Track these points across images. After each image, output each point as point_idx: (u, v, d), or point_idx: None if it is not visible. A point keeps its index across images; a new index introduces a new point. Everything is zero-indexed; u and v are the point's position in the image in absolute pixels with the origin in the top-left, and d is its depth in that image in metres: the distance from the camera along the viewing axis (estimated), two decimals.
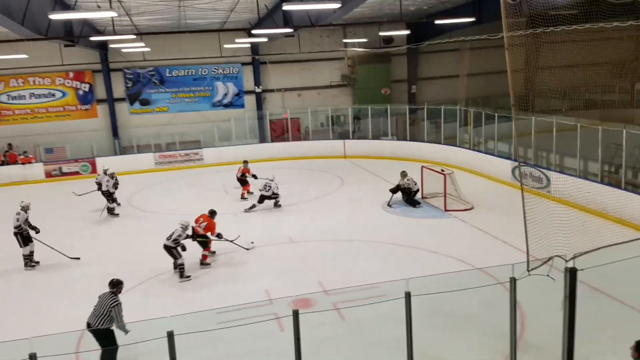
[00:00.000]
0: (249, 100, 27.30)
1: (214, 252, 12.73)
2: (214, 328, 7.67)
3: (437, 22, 20.60)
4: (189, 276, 11.52)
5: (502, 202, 15.72)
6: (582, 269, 5.58)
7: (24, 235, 12.54)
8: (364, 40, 25.84)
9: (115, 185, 17.09)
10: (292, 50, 26.25)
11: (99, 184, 17.28)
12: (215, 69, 26.66)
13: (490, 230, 13.33)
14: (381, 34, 24.14)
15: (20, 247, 12.62)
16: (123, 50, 23.58)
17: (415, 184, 16.05)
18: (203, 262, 12.22)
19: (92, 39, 19.03)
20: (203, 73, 26.61)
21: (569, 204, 13.45)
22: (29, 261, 12.64)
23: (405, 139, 24.33)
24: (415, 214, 15.25)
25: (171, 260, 11.68)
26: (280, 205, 16.51)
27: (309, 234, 14.00)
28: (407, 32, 24.23)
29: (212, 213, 12.62)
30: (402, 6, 18.29)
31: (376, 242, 13.14)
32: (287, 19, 16.80)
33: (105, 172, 17.17)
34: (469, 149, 21.16)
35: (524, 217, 6.47)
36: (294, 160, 24.57)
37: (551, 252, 6.31)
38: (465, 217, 14.66)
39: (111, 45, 24.18)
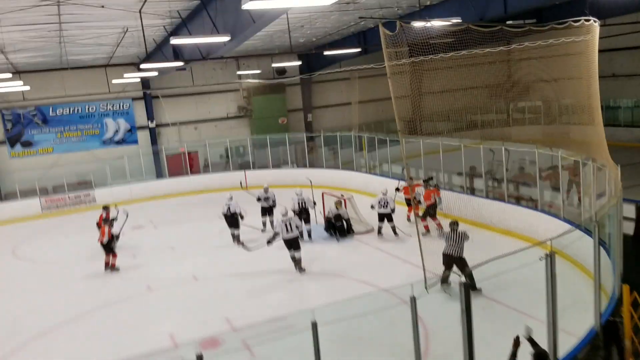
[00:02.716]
0: (143, 136, 26.32)
1: None
2: None
3: (326, 53, 21.40)
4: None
5: (400, 222, 16.33)
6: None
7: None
8: (258, 71, 26.11)
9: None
10: (185, 84, 25.84)
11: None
12: (103, 105, 25.46)
13: (392, 251, 13.76)
14: (274, 65, 24.59)
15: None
16: None
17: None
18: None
19: None
20: (91, 110, 25.30)
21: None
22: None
23: (305, 167, 24.69)
24: (319, 239, 15.38)
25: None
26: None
27: (214, 270, 13.61)
28: (299, 63, 24.86)
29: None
30: (291, 39, 18.76)
31: (282, 272, 13.07)
32: (177, 53, 16.53)
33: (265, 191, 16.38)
34: (366, 172, 21.92)
35: (418, 237, 6.77)
36: (194, 194, 23.93)
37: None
38: (366, 240, 15.05)
39: None
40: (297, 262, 12.73)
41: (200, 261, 14.50)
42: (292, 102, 29.21)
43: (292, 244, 12.68)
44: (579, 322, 7.80)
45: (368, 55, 22.79)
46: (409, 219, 15.96)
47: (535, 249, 11.00)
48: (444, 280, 10.33)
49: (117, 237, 14.35)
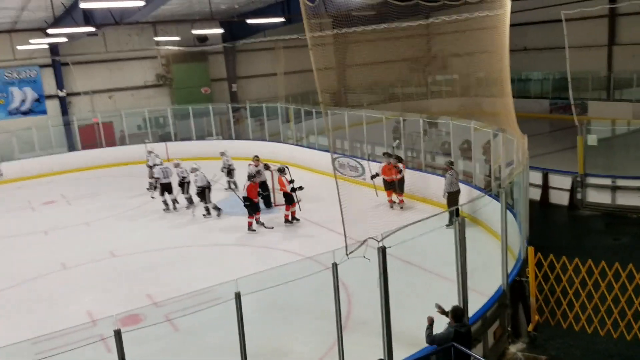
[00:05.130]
0: (52, 106, 24.67)
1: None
2: None
3: (249, 21, 20.91)
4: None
5: (327, 193, 16.47)
6: (389, 247, 6.15)
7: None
8: (177, 38, 25.02)
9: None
10: (97, 50, 24.39)
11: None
12: (9, 73, 23.56)
13: (318, 220, 13.93)
14: (194, 32, 23.67)
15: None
16: None
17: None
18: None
19: None
20: None
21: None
22: None
23: (230, 138, 24.26)
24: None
25: None
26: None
27: (133, 246, 13.18)
28: (221, 30, 24.08)
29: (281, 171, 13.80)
30: (211, 4, 18.12)
31: (205, 246, 12.92)
32: (87, 17, 15.51)
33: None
34: (293, 144, 21.90)
35: (340, 206, 6.91)
36: (109, 167, 22.87)
37: (366, 235, 6.84)
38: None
39: None
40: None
41: (118, 236, 14.03)
42: (215, 71, 28.40)
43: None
44: (488, 282, 8.33)
45: (293, 25, 22.45)
46: (391, 205, 14.48)
47: (448, 214, 11.59)
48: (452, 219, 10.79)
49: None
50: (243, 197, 13.61)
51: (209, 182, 14.95)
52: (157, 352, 8.10)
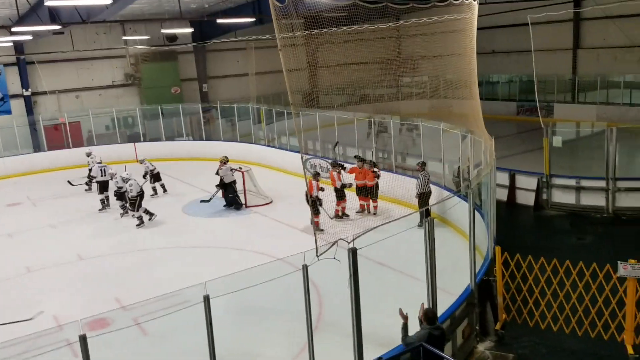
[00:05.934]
0: (17, 105, 24.05)
1: None
2: None
3: (220, 21, 20.78)
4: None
5: (298, 194, 16.54)
6: (361, 248, 6.18)
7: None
8: (146, 37, 24.68)
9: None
10: (64, 48, 23.82)
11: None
12: None
13: (289, 221, 13.91)
14: (163, 31, 23.36)
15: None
16: None
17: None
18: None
19: None
20: None
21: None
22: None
23: (201, 139, 24.04)
24: (216, 213, 15.17)
25: None
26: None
27: (100, 248, 12.94)
28: (191, 30, 23.87)
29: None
30: (181, 4, 17.93)
31: (176, 248, 12.77)
32: (53, 15, 15.16)
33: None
34: (265, 145, 21.84)
35: (309, 204, 6.91)
36: (77, 168, 22.36)
37: (337, 236, 6.88)
38: (265, 212, 15.09)
39: None
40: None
41: (85, 239, 13.76)
42: (185, 71, 28.09)
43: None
44: (457, 281, 8.45)
45: (264, 26, 22.41)
46: (362, 210, 14.11)
47: (418, 215, 11.72)
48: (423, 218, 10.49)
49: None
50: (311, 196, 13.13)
51: (142, 190, 14.65)
52: (125, 357, 7.96)
